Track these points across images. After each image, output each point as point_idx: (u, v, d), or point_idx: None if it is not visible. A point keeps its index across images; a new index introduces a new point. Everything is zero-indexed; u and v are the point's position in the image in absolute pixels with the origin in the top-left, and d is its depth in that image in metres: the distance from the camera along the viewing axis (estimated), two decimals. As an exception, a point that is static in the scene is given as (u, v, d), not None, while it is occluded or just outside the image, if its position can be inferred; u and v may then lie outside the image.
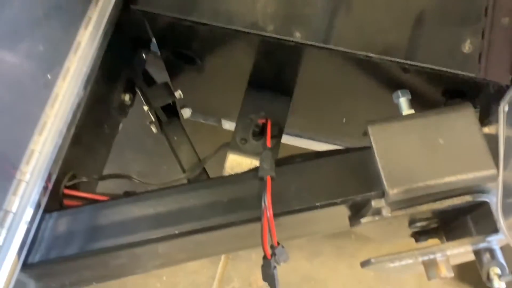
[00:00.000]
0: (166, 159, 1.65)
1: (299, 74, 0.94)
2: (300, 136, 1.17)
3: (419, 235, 0.93)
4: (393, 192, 0.73)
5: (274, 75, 0.99)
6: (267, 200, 0.75)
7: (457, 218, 0.85)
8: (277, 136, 0.97)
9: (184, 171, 1.00)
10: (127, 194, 0.90)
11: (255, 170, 0.81)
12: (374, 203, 0.76)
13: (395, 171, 0.74)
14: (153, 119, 1.00)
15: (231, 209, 0.77)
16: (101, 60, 0.82)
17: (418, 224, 0.87)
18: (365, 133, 0.78)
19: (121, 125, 1.04)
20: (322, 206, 0.77)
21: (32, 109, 0.66)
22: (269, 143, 0.82)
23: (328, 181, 0.78)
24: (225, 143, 1.01)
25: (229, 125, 1.25)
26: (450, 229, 0.90)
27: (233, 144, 0.98)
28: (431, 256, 0.81)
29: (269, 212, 0.75)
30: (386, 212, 0.77)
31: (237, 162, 0.97)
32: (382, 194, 0.75)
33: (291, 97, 1.02)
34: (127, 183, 1.03)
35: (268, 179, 0.76)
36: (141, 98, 0.99)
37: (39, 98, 0.66)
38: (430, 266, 0.83)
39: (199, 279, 1.53)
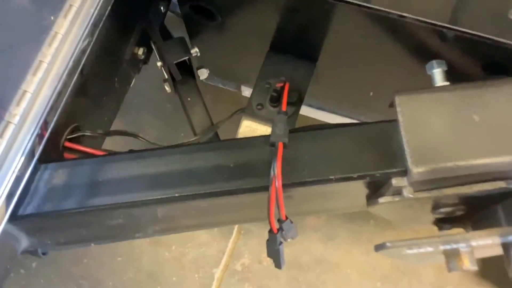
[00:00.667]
0: (184, 127, 1.60)
1: (326, 37, 0.87)
2: (322, 109, 1.09)
3: (442, 223, 0.85)
4: (417, 170, 0.65)
5: (299, 38, 0.91)
6: (276, 168, 0.68)
7: (487, 206, 0.77)
8: (296, 103, 0.90)
9: (195, 133, 0.94)
10: (133, 152, 0.85)
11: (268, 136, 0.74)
12: (395, 182, 0.69)
13: (422, 148, 0.66)
14: (166, 76, 0.94)
15: (237, 175, 0.71)
16: (112, 4, 0.76)
17: (443, 209, 0.79)
18: (392, 104, 0.71)
19: (133, 81, 0.99)
20: (337, 180, 0.70)
21: (26, 46, 0.60)
22: (284, 106, 0.75)
23: (345, 152, 0.71)
24: (241, 108, 0.95)
25: (248, 92, 1.18)
26: (478, 218, 0.82)
27: (249, 109, 0.92)
28: (454, 246, 0.74)
29: (277, 182, 0.68)
30: (407, 192, 0.69)
31: (251, 129, 0.91)
32: (405, 172, 0.67)
33: (316, 63, 0.94)
34: (137, 143, 0.98)
35: (280, 146, 0.69)
36: (156, 53, 0.93)
37: (33, 34, 0.61)
38: (452, 257, 0.75)
39: (208, 252, 1.49)
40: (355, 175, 0.69)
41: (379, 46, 0.83)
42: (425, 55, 0.79)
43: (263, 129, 0.90)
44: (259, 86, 0.92)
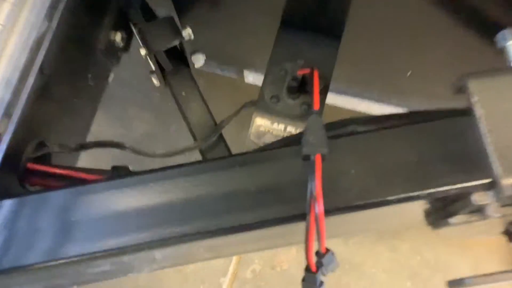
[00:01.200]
0: (175, 118, 1.41)
1: (353, 3, 0.68)
2: (344, 93, 0.90)
3: (515, 233, 0.68)
4: (510, 182, 0.47)
5: (319, 7, 0.72)
6: (315, 190, 0.50)
7: None
8: (321, 93, 0.71)
9: (195, 138, 0.75)
10: (116, 171, 0.66)
11: (295, 141, 0.56)
12: (477, 199, 0.51)
13: (512, 151, 0.48)
14: (153, 67, 0.74)
15: (261, 201, 0.52)
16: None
17: (524, 222, 0.62)
18: (461, 90, 0.52)
19: (112, 76, 0.79)
20: (398, 201, 0.51)
21: None
22: (317, 103, 0.56)
23: (405, 162, 0.52)
24: (250, 101, 0.76)
25: (253, 78, 0.98)
26: None
27: (261, 103, 0.72)
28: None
29: (318, 208, 0.50)
30: (493, 210, 0.52)
31: (265, 128, 0.72)
32: (490, 185, 0.49)
33: (340, 39, 0.75)
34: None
35: (318, 159, 0.51)
36: (138, 38, 0.73)
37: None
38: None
39: (213, 260, 1.31)
40: (422, 193, 0.51)
41: (423, 10, 0.64)
42: (486, 22, 0.60)
43: (280, 128, 0.71)
44: (272, 72, 0.73)
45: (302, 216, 0.50)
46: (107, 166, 0.67)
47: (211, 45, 0.85)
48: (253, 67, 0.94)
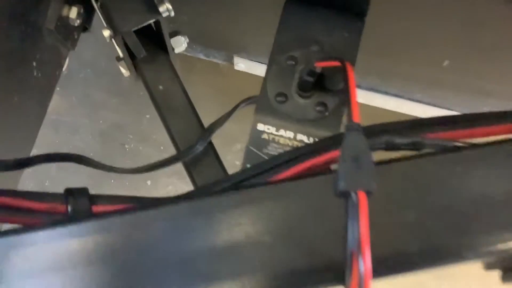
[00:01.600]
0: (150, 105, 1.22)
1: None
2: (366, 88, 0.74)
3: None
4: None
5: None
6: (360, 240, 0.34)
7: None
8: (343, 90, 0.54)
9: (177, 148, 0.58)
10: (71, 196, 0.49)
11: (309, 154, 0.40)
12: None
13: None
14: (120, 53, 0.57)
15: (281, 257, 0.36)
16: None
17: None
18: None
19: (66, 62, 0.61)
20: (471, 257, 0.36)
21: None
22: (357, 114, 0.39)
23: (474, 202, 0.37)
24: (247, 98, 0.59)
25: (245, 64, 0.80)
26: None
27: (264, 102, 0.56)
28: None
29: (364, 266, 0.34)
30: None
31: (269, 136, 0.55)
32: None
33: (364, 19, 0.58)
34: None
35: (362, 198, 0.35)
36: (100, 16, 0.55)
37: None
38: None
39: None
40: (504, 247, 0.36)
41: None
42: None
43: (289, 136, 0.55)
44: (278, 62, 0.56)
45: (338, 278, 0.35)
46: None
47: (194, 24, 0.67)
48: (246, 52, 0.76)
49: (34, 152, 0.63)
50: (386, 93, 0.74)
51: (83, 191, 0.52)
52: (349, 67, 0.42)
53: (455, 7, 0.55)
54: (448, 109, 0.72)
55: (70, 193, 0.51)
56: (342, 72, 0.48)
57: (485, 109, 0.72)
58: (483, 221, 0.36)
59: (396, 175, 0.38)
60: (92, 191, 0.65)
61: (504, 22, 0.54)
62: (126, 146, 1.22)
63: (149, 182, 1.21)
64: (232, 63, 0.80)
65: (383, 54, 0.66)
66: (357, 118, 0.38)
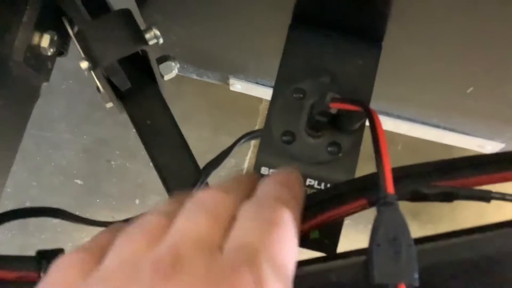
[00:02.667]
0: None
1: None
2: (385, 113, 0.66)
3: None
4: None
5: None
6: None
7: None
8: (359, 129, 0.48)
9: (168, 190, 0.51)
10: (44, 260, 0.42)
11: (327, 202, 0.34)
12: None
13: None
14: (100, 87, 0.49)
15: None
16: None
17: None
18: None
19: (39, 93, 0.53)
20: None
21: None
22: (390, 185, 0.32)
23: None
24: (250, 132, 0.52)
25: (242, 86, 0.73)
26: None
27: (267, 141, 0.49)
28: None
29: None
30: None
31: (275, 180, 0.48)
32: None
33: (381, 45, 0.51)
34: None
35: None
36: (76, 45, 0.47)
37: None
38: None
39: None
40: None
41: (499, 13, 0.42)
42: None
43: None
44: (283, 95, 0.49)
45: None
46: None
47: (186, 44, 0.59)
48: (243, 73, 0.68)
49: (14, 169, 0.55)
50: (398, 116, 0.67)
51: (58, 253, 0.45)
52: (375, 116, 0.35)
53: (477, 29, 0.48)
54: (466, 134, 0.66)
55: (44, 255, 0.44)
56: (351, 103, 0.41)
57: (508, 135, 0.66)
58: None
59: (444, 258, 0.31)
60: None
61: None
62: (113, 162, 1.14)
63: (137, 201, 1.14)
64: (228, 84, 0.73)
65: (401, 79, 0.59)
66: (391, 188, 0.31)
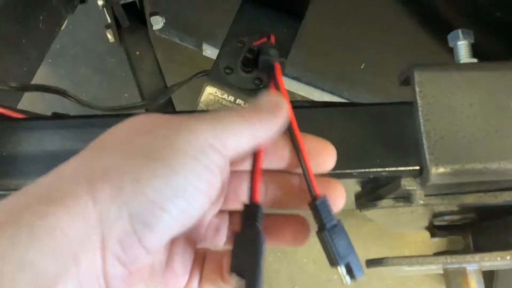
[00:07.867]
0: (129, 86, 1.38)
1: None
2: (297, 79, 0.91)
3: (438, 229, 0.71)
4: (437, 171, 0.50)
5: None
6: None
7: (499, 216, 0.63)
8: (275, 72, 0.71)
9: (143, 97, 0.74)
10: (56, 117, 0.65)
11: None
12: (405, 183, 0.53)
13: (444, 142, 0.50)
14: (109, 20, 0.73)
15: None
16: None
17: (447, 217, 0.65)
18: (405, 82, 0.55)
19: (65, 23, 0.77)
20: (330, 176, 0.53)
21: None
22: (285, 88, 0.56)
23: (342, 141, 0.54)
24: (204, 70, 0.76)
25: (211, 51, 0.98)
26: (482, 228, 0.68)
27: (214, 72, 0.72)
28: (462, 265, 0.60)
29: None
30: (418, 197, 0.54)
31: (216, 98, 0.72)
32: (418, 172, 0.52)
33: (301, 22, 0.76)
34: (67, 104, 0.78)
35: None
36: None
37: None
38: (454, 276, 0.62)
39: None
40: (354, 172, 0.53)
41: (385, 4, 0.66)
42: (444, 22, 0.63)
43: (230, 99, 0.72)
44: (229, 44, 0.73)
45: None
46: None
47: (172, 9, 0.84)
48: (213, 41, 0.93)
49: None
50: (322, 89, 0.92)
51: (67, 116, 0.67)
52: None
53: (373, 23, 0.73)
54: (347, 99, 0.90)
55: (57, 115, 0.66)
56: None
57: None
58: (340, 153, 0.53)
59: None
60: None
61: (409, 41, 0.72)
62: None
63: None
64: (201, 49, 0.97)
65: (315, 53, 0.83)
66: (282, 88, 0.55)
